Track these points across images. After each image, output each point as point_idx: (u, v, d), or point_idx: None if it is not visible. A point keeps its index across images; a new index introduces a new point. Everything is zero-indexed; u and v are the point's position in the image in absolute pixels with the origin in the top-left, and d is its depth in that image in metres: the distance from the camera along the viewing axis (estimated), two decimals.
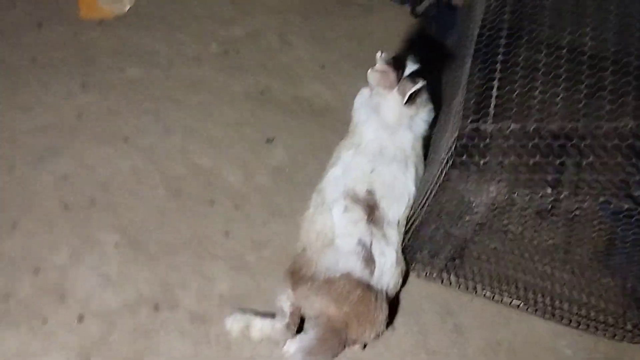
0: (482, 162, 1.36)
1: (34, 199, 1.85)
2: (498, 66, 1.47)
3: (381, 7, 2.31)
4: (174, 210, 1.86)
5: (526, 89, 1.45)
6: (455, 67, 1.98)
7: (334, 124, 2.00)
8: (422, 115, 1.81)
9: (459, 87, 1.73)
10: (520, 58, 1.53)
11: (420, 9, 2.29)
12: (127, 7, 2.23)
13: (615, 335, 1.73)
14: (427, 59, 2.07)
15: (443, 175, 1.44)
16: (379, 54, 1.70)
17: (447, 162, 1.41)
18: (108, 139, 1.97)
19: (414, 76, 1.75)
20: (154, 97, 2.06)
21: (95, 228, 1.81)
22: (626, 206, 1.36)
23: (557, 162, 1.33)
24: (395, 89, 1.72)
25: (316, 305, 1.62)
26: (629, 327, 1.71)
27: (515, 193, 1.40)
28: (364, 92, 1.84)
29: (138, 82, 2.09)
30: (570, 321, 1.75)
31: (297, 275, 1.66)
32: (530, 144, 1.32)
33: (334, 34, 2.24)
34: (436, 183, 1.48)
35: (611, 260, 1.67)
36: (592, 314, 1.73)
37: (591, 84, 1.39)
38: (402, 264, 1.70)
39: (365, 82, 1.79)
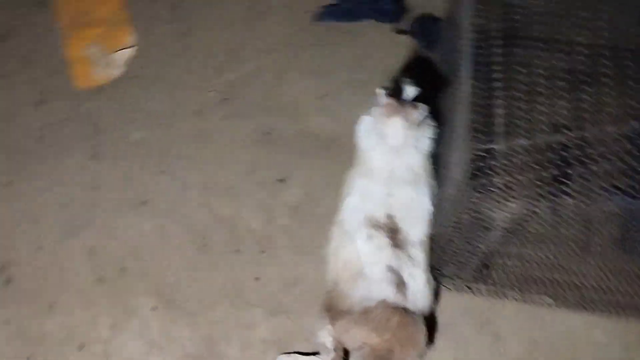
0: (498, 181, 1.41)
1: (66, 276, 1.90)
2: (500, 84, 1.52)
3: (367, 30, 2.35)
4: (204, 264, 1.91)
5: (530, 101, 1.50)
6: (450, 79, 2.03)
7: (343, 153, 2.02)
8: (427, 133, 1.85)
9: (459, 101, 1.78)
10: (519, 67, 1.58)
11: (404, 25, 2.34)
12: (121, 70, 2.27)
13: None
14: (422, 75, 2.13)
15: (462, 197, 1.49)
16: (378, 90, 1.74)
17: (464, 185, 1.46)
18: (128, 205, 2.02)
19: (414, 100, 1.79)
20: (165, 156, 2.11)
21: (131, 295, 1.86)
22: None
23: (572, 172, 1.39)
24: (399, 116, 1.76)
25: (358, 337, 1.66)
26: None
27: (535, 206, 1.45)
28: (366, 120, 1.86)
29: (146, 144, 2.13)
30: (601, 310, 1.80)
31: (333, 310, 1.71)
32: (543, 158, 1.38)
33: (327, 63, 2.28)
34: (456, 205, 1.53)
35: (629, 247, 1.71)
36: (620, 299, 1.78)
37: (591, 88, 1.45)
38: (432, 282, 1.75)
39: (365, 109, 1.83)
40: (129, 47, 2.30)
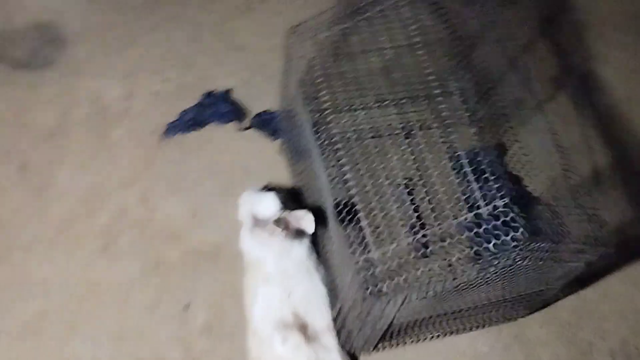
0: (380, 284, 1.71)
1: None
2: (356, 204, 1.81)
3: (214, 134, 2.52)
4: None
5: (386, 207, 1.83)
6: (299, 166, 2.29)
7: (231, 260, 2.19)
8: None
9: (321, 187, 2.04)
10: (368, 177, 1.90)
11: (245, 122, 2.54)
12: None
13: (508, 318, 2.23)
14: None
15: (352, 301, 1.77)
16: (243, 216, 1.95)
17: (353, 291, 1.74)
18: None
19: (289, 210, 1.97)
20: (67, 321, 2.13)
21: None
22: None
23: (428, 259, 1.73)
24: (275, 231, 1.96)
25: None
26: (515, 308, 2.21)
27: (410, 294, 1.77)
28: (245, 233, 2.02)
29: (44, 315, 2.13)
30: (478, 326, 2.21)
31: None
32: (406, 258, 1.70)
33: (188, 177, 2.42)
34: (348, 306, 1.81)
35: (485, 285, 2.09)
36: (491, 312, 2.20)
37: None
38: (346, 357, 2.03)
39: (237, 215, 2.01)
40: None
